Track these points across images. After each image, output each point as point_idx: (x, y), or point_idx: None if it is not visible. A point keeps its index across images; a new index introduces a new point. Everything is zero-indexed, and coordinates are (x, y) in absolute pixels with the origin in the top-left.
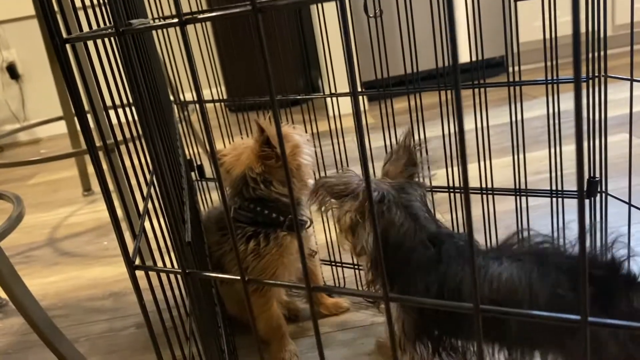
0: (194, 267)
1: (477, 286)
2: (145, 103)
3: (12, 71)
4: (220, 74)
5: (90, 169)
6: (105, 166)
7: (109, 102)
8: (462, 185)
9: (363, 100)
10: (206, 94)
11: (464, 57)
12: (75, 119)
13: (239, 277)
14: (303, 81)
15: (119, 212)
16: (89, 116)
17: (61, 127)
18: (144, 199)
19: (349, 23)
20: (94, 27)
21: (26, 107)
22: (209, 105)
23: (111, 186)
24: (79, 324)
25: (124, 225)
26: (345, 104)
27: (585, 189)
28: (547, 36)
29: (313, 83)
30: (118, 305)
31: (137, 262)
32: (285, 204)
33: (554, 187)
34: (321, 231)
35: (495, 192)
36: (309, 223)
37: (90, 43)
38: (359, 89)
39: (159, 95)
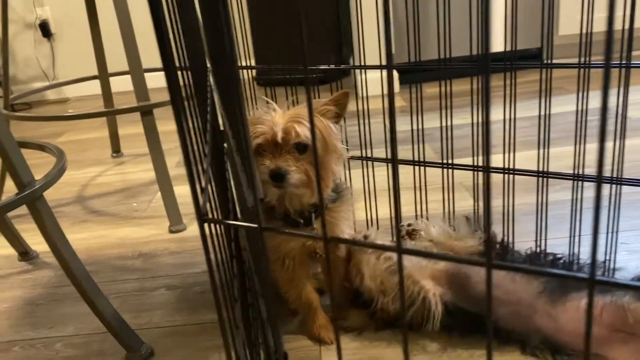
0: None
1: (595, 260)
2: (231, 55)
3: (45, 29)
4: (251, 45)
5: (121, 130)
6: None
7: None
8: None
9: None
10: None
11: (498, 46)
12: (110, 78)
13: (321, 236)
14: (334, 58)
15: (172, 171)
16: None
17: (90, 88)
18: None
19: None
20: None
21: (56, 66)
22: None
23: (169, 145)
24: (110, 281)
25: (178, 182)
26: (376, 84)
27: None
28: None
29: (344, 61)
30: (147, 266)
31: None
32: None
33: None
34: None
35: (517, 172)
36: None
37: None
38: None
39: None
